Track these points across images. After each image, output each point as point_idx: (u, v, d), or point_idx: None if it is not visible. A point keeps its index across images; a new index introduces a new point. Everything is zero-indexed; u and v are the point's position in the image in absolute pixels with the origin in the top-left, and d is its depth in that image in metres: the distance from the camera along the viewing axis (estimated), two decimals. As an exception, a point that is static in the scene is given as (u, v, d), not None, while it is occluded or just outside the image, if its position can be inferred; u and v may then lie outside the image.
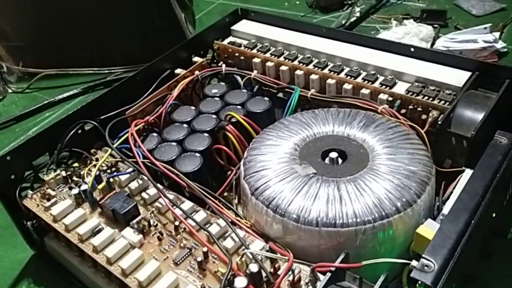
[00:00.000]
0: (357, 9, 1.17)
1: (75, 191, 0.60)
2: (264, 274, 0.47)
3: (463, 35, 0.99)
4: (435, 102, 0.63)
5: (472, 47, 0.95)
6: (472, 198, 0.47)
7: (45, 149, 0.65)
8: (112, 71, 1.06)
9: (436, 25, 1.06)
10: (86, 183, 0.61)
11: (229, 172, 0.65)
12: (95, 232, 0.56)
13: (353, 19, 1.14)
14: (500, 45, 0.95)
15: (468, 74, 0.65)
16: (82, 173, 0.63)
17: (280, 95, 0.76)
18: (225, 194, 0.64)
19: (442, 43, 0.98)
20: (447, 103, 0.62)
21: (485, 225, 0.52)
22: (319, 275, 0.46)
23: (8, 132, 0.95)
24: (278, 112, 0.73)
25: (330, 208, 0.50)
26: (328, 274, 0.43)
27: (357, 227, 0.48)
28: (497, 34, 0.98)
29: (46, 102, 1.00)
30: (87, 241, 0.55)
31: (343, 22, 1.14)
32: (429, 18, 1.08)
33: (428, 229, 0.47)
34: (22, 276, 0.66)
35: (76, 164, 0.66)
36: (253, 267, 0.47)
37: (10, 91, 1.08)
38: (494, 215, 0.55)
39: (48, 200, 0.61)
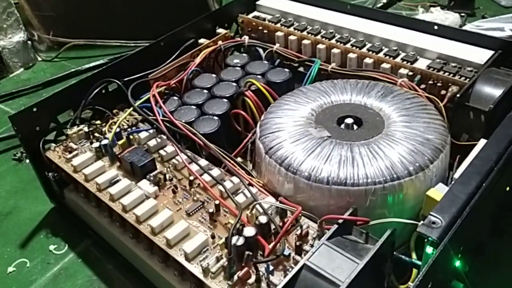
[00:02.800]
0: (384, -5, 1.17)
1: (95, 145, 0.62)
2: (273, 226, 0.48)
3: (489, 23, 0.98)
4: (456, 78, 0.63)
5: (498, 35, 0.94)
6: (485, 163, 0.47)
7: (69, 105, 0.68)
8: (138, 44, 1.07)
9: (463, 14, 1.05)
10: (107, 138, 0.62)
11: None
12: (113, 182, 0.57)
13: (379, 5, 1.14)
14: (527, 34, 0.94)
15: (491, 52, 0.65)
16: (103, 129, 0.65)
17: (301, 69, 0.76)
18: (240, 160, 0.65)
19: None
20: (468, 79, 0.62)
21: (497, 196, 0.52)
22: (327, 230, 0.47)
23: (35, 96, 0.99)
24: (299, 86, 0.74)
25: (341, 168, 0.50)
26: (335, 226, 0.44)
27: (367, 187, 0.49)
28: (525, 24, 0.97)
29: (73, 70, 1.03)
30: (105, 191, 0.57)
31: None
32: (457, 6, 1.07)
33: (438, 192, 0.47)
34: (40, 226, 0.69)
35: (98, 122, 0.68)
36: (262, 219, 0.48)
37: (39, 59, 1.12)
38: (508, 189, 0.55)
39: (70, 152, 0.63)
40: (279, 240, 0.45)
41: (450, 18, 1.01)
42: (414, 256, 0.48)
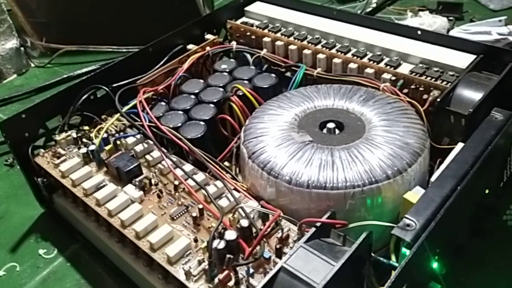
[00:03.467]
0: (374, 0, 1.18)
1: (83, 150, 0.63)
2: (254, 230, 0.49)
3: (477, 27, 0.99)
4: (437, 82, 0.64)
5: (485, 38, 0.94)
6: (461, 166, 0.48)
7: (58, 111, 0.69)
8: (130, 50, 1.08)
9: (451, 18, 1.06)
10: (94, 144, 0.63)
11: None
12: (99, 187, 0.58)
13: (368, 9, 1.15)
14: (514, 38, 0.95)
15: (473, 57, 0.66)
16: (91, 135, 0.66)
17: (288, 74, 0.77)
18: (227, 164, 0.65)
19: (455, 34, 0.98)
20: (449, 83, 0.63)
21: (475, 198, 0.53)
22: (306, 233, 0.47)
23: (28, 102, 0.99)
24: (285, 91, 0.75)
25: (321, 172, 0.51)
26: (313, 229, 0.45)
27: (346, 190, 0.50)
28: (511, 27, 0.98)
29: (66, 76, 1.04)
30: (91, 196, 0.58)
31: (359, 12, 1.15)
32: (445, 10, 1.08)
33: (415, 194, 0.48)
34: (31, 231, 0.70)
35: (86, 128, 0.68)
36: (244, 222, 0.49)
37: (32, 65, 1.13)
38: (487, 191, 0.56)
39: (58, 158, 0.64)
40: (257, 243, 0.46)
41: (438, 22, 1.02)
42: (393, 258, 0.49)
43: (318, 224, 0.45)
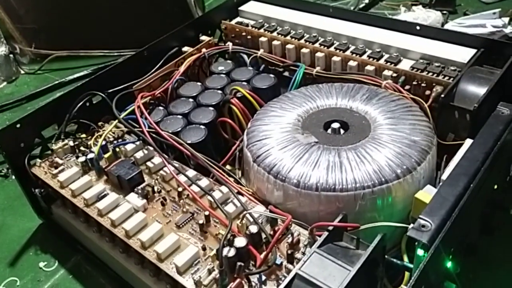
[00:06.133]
0: (366, -5, 1.17)
1: (82, 159, 0.62)
2: (263, 236, 0.48)
3: (471, 20, 0.98)
4: (440, 77, 0.63)
5: (480, 31, 0.94)
6: (472, 164, 0.47)
7: (53, 119, 0.67)
8: (122, 53, 1.07)
9: (445, 11, 1.06)
10: (92, 152, 0.62)
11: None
12: (101, 197, 0.57)
13: (361, 5, 1.14)
14: (509, 30, 0.95)
15: (474, 51, 0.66)
16: (89, 143, 0.65)
17: (286, 74, 0.76)
18: (229, 167, 0.64)
19: (450, 28, 0.98)
20: (451, 78, 0.62)
21: (485, 195, 0.52)
22: (318, 237, 0.47)
23: (20, 110, 0.97)
24: (284, 91, 0.74)
25: (330, 174, 0.50)
26: (325, 233, 0.44)
27: (356, 192, 0.49)
28: (506, 20, 0.98)
29: (57, 82, 1.02)
30: (93, 206, 0.56)
31: (352, 8, 1.14)
32: (438, 4, 1.08)
33: (427, 194, 0.47)
34: (29, 243, 0.68)
35: (83, 135, 0.67)
36: (253, 228, 0.47)
37: (22, 72, 1.11)
38: (495, 187, 0.55)
39: (56, 168, 0.62)
40: (270, 250, 0.45)
41: (432, 16, 1.02)
42: (405, 259, 0.48)
43: (330, 227, 0.44)
